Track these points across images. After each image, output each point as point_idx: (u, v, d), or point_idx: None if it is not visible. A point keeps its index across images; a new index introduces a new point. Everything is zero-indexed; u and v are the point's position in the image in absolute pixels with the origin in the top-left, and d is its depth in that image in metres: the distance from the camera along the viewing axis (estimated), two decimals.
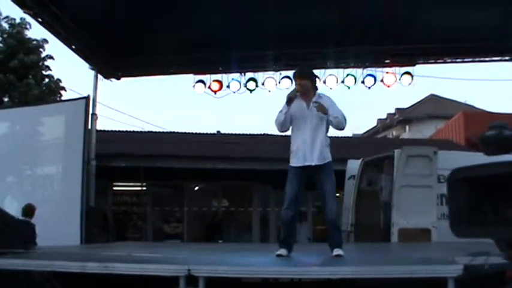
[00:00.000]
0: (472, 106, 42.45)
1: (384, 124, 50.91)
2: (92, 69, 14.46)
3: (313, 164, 6.82)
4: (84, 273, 5.73)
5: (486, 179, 3.28)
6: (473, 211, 3.35)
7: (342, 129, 7.05)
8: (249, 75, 14.51)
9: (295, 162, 6.96)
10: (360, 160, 14.72)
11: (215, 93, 14.62)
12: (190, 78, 14.74)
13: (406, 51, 13.87)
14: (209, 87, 14.57)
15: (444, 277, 4.95)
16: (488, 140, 3.42)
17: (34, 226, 10.68)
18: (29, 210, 10.90)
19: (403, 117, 47.16)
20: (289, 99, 6.94)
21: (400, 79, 14.01)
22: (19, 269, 6.21)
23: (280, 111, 7.01)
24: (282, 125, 7.06)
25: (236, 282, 5.58)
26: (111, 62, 14.65)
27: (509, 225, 3.20)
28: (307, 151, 6.85)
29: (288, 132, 7.15)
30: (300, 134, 6.95)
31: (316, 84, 7.35)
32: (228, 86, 14.54)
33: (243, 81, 14.48)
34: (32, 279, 6.40)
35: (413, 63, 14.10)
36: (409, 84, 14.00)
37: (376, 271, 5.24)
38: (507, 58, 13.93)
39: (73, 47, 13.47)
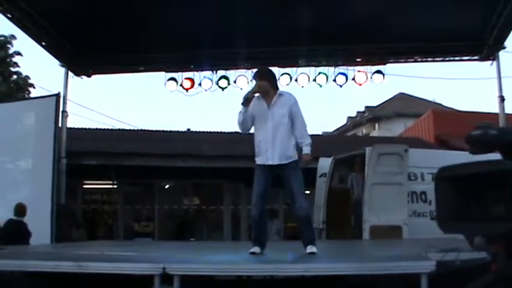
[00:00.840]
0: (441, 104, 42.84)
1: (354, 122, 51.13)
2: (62, 66, 14.30)
3: (275, 163, 6.87)
4: (57, 273, 5.67)
5: (472, 177, 3.38)
6: (460, 208, 3.44)
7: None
8: (221, 73, 14.48)
9: (259, 160, 7.01)
10: (331, 158, 14.79)
11: (187, 91, 14.56)
12: (162, 75, 14.68)
13: (378, 50, 13.99)
14: (181, 85, 14.52)
15: (417, 273, 5.01)
16: (474, 140, 3.51)
17: (26, 225, 10.75)
18: (20, 209, 10.93)
19: (372, 115, 47.42)
20: (245, 100, 6.98)
21: (371, 77, 14.10)
22: None
23: (239, 112, 7.06)
24: (242, 126, 7.13)
25: (210, 280, 5.58)
26: (81, 59, 14.48)
27: (495, 221, 3.30)
28: (269, 150, 6.90)
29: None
30: (261, 134, 7.00)
31: (277, 83, 7.37)
32: (200, 84, 14.50)
33: (215, 79, 14.46)
34: (2, 280, 6.32)
35: (384, 62, 14.21)
36: (381, 82, 14.11)
37: (351, 268, 5.29)
38: (476, 58, 14.09)
39: (43, 43, 13.34)
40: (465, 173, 3.44)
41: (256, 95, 7.07)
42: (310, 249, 6.75)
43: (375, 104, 49.04)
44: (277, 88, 7.25)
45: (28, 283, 6.18)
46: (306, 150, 6.97)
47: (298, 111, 7.06)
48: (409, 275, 5.08)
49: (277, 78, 7.70)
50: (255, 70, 7.56)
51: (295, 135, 6.98)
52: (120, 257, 6.98)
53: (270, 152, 6.89)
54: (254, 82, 7.39)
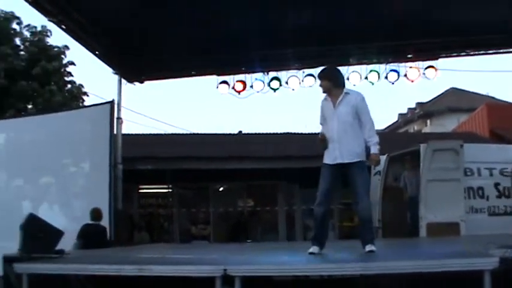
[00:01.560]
0: (494, 98, 42.06)
1: (405, 119, 50.67)
2: (116, 73, 14.57)
3: (343, 161, 6.86)
4: (120, 276, 5.79)
5: None
6: None
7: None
8: (272, 74, 14.53)
9: (326, 159, 7.01)
10: (385, 156, 14.67)
11: (239, 94, 14.67)
12: (214, 79, 14.82)
13: (429, 45, 13.80)
14: (233, 88, 14.62)
15: (480, 270, 4.95)
16: None
17: (105, 228, 11.41)
18: (96, 213, 11.41)
19: (423, 111, 46.89)
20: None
21: (423, 73, 13.94)
22: (55, 274, 6.30)
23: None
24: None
25: (268, 281, 5.61)
26: (134, 66, 14.74)
27: None
28: (336, 149, 6.91)
29: (314, 130, 7.26)
30: (329, 133, 7.02)
31: (341, 82, 7.36)
32: (251, 86, 14.58)
33: (267, 80, 14.50)
34: (68, 284, 6.49)
35: (435, 57, 14.04)
36: (434, 77, 13.94)
37: (412, 266, 5.24)
38: None
39: (96, 52, 13.61)
40: None
41: (324, 96, 7.12)
42: (369, 247, 6.73)
43: (426, 100, 48.45)
44: (343, 86, 7.26)
45: (92, 286, 6.34)
46: (374, 149, 6.96)
47: (365, 109, 7.05)
48: (470, 272, 5.02)
49: (343, 76, 7.68)
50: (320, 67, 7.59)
51: (363, 133, 6.98)
52: (181, 260, 7.08)
53: (338, 151, 6.92)
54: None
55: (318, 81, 7.41)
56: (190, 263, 6.21)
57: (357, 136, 6.96)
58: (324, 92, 7.13)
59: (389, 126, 51.93)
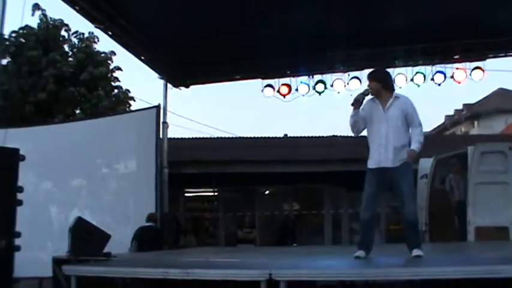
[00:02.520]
0: None
1: (452, 120, 50.05)
2: (161, 78, 14.73)
3: (388, 166, 6.78)
4: (166, 279, 5.84)
5: None
6: None
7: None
8: (318, 77, 14.48)
9: (371, 163, 6.94)
10: (432, 158, 14.49)
11: (284, 97, 14.67)
12: (259, 83, 14.86)
13: (476, 46, 13.56)
14: (278, 91, 14.63)
15: None
16: None
17: (160, 230, 12.02)
18: (152, 217, 11.90)
19: (471, 113, 46.24)
20: (355, 101, 6.95)
21: (470, 74, 13.73)
22: (103, 276, 6.39)
23: (350, 116, 7.04)
24: (352, 128, 7.11)
25: (313, 285, 5.59)
26: (179, 70, 14.87)
27: None
28: (383, 153, 6.81)
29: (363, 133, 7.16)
30: (376, 137, 6.92)
31: (391, 85, 7.27)
32: (296, 89, 14.56)
33: (312, 83, 14.47)
34: (114, 286, 6.58)
35: (483, 58, 13.79)
36: (481, 79, 13.72)
37: (460, 272, 5.12)
38: None
39: (142, 57, 13.76)
40: None
41: (370, 96, 7.05)
42: (416, 252, 6.63)
43: (473, 101, 47.73)
44: (393, 90, 7.19)
45: None
46: (414, 146, 6.82)
47: (415, 114, 6.96)
48: None
49: (392, 79, 7.60)
50: (365, 70, 7.51)
51: (412, 134, 6.89)
52: (226, 264, 7.09)
53: (384, 155, 6.83)
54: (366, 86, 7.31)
55: (364, 84, 7.34)
56: (236, 267, 6.20)
57: (403, 141, 6.87)
58: (372, 93, 7.04)
59: (436, 128, 51.32)
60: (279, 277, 5.21)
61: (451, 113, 51.52)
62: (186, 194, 21.42)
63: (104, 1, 11.38)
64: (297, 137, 23.74)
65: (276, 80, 14.70)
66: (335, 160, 18.32)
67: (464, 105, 48.38)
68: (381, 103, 6.95)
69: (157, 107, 13.52)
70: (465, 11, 11.78)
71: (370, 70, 7.68)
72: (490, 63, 14.04)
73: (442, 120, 52.73)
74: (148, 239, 11.36)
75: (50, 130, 14.85)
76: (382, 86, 7.03)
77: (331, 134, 21.40)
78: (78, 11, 11.24)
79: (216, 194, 20.63)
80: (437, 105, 75.76)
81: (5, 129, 8.78)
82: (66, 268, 6.78)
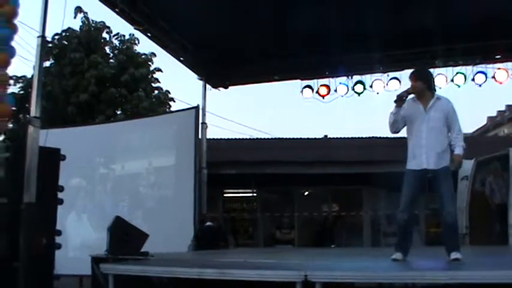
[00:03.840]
0: None
1: (494, 122, 49.29)
2: (200, 79, 14.81)
3: (429, 168, 6.70)
4: (202, 279, 5.86)
5: None
6: None
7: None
8: (356, 78, 14.41)
9: (411, 165, 6.87)
10: (473, 160, 14.29)
11: (323, 98, 14.63)
12: (298, 83, 14.84)
13: None
14: (317, 92, 14.59)
15: None
16: None
17: (218, 229, 12.96)
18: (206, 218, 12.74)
19: None
20: (398, 99, 6.89)
21: None
22: (140, 275, 6.46)
23: (391, 112, 6.97)
24: (391, 126, 7.05)
25: (350, 287, 5.56)
26: (218, 71, 14.94)
27: None
28: (423, 155, 6.74)
29: (400, 134, 7.08)
30: (416, 137, 6.85)
31: (434, 85, 7.20)
32: (335, 90, 14.51)
33: (351, 84, 14.40)
34: (151, 285, 6.65)
35: None
36: None
37: (497, 276, 5.03)
38: None
39: (181, 58, 13.85)
40: None
41: (411, 96, 6.98)
42: (455, 255, 6.53)
43: None
44: (434, 90, 7.12)
45: None
46: (458, 151, 6.76)
47: (456, 116, 6.89)
48: None
49: (434, 80, 7.53)
50: (411, 70, 7.41)
51: (450, 138, 6.83)
52: (262, 264, 7.09)
53: (425, 156, 6.76)
54: (409, 83, 7.23)
55: (403, 85, 7.23)
56: (271, 268, 6.20)
57: (444, 143, 6.79)
58: (416, 93, 6.96)
59: (478, 129, 50.61)
60: (314, 278, 5.20)
61: (494, 114, 50.73)
62: (225, 195, 21.50)
63: (143, 3, 11.49)
64: (336, 138, 23.65)
65: (315, 80, 14.66)
66: (374, 161, 18.18)
67: (507, 106, 47.57)
68: (422, 103, 6.88)
69: (196, 107, 13.57)
70: (506, 8, 11.56)
71: (413, 69, 7.62)
72: None
73: (484, 122, 51.96)
74: (207, 238, 11.69)
75: (91, 131, 15.02)
76: (427, 86, 6.96)
77: (370, 135, 21.25)
78: (117, 13, 11.35)
79: (254, 194, 20.66)
80: (479, 106, 74.76)
81: (46, 130, 8.86)
82: (104, 267, 6.89)
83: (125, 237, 8.30)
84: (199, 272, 5.96)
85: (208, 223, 12.14)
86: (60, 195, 8.77)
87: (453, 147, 6.78)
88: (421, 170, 6.76)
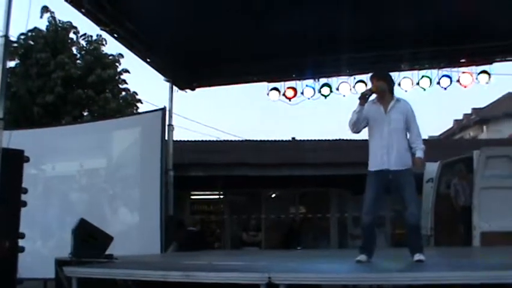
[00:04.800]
0: None
1: (460, 125, 49.86)
2: (167, 81, 14.73)
3: (391, 168, 6.76)
4: (166, 282, 5.85)
5: None
6: None
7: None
8: (323, 80, 14.45)
9: (372, 166, 6.93)
10: (438, 163, 14.46)
11: (290, 100, 14.64)
12: (265, 86, 14.85)
13: (483, 50, 13.47)
14: (283, 95, 14.61)
15: None
16: None
17: (199, 233, 13.58)
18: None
19: (479, 117, 46.03)
20: (362, 97, 6.95)
21: (477, 78, 13.66)
22: (103, 278, 6.42)
23: (353, 111, 7.02)
24: (353, 125, 7.08)
25: None
26: (185, 73, 14.89)
27: None
28: (384, 156, 6.80)
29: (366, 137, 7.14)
30: (377, 138, 6.92)
31: (393, 88, 7.29)
32: (302, 93, 14.54)
33: (317, 87, 14.44)
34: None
35: (490, 62, 13.72)
36: (487, 83, 13.64)
37: (461, 277, 5.09)
38: None
39: (148, 60, 13.79)
40: None
41: (371, 98, 7.03)
42: (418, 256, 6.61)
43: (483, 106, 47.51)
44: (394, 93, 7.19)
45: None
46: (419, 154, 6.85)
47: (415, 120, 7.00)
48: None
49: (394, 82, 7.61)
50: (372, 72, 7.49)
51: (410, 140, 6.91)
52: (227, 267, 7.10)
53: (386, 157, 6.83)
54: (370, 84, 7.28)
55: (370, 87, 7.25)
56: (236, 270, 6.20)
57: (405, 144, 6.88)
58: (378, 93, 7.02)
59: (445, 132, 51.15)
60: (278, 280, 5.23)
61: (460, 117, 51.30)
62: (192, 197, 21.45)
63: (110, 4, 11.39)
64: (303, 140, 23.74)
65: (282, 83, 14.68)
66: (341, 164, 18.27)
67: (473, 109, 48.15)
68: (383, 105, 6.96)
69: (163, 109, 13.50)
70: (472, 14, 11.71)
71: (374, 70, 7.69)
72: (499, 67, 13.98)
73: (451, 125, 52.51)
74: (189, 241, 11.78)
75: (57, 132, 14.86)
76: (388, 88, 7.04)
77: (338, 138, 21.37)
78: (83, 14, 11.25)
79: (222, 196, 20.64)
80: (447, 109, 75.67)
81: (9, 131, 8.75)
82: (67, 269, 6.83)
83: (89, 240, 8.23)
84: (164, 275, 5.96)
85: (190, 228, 12.17)
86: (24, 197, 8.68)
87: (414, 150, 6.86)
88: (382, 171, 6.82)
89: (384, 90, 7.00)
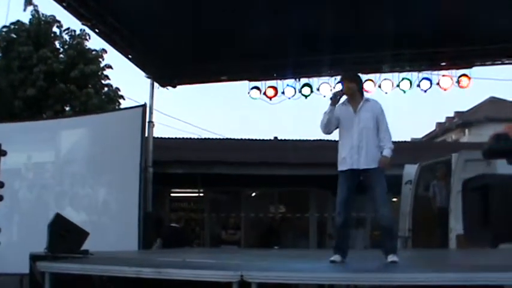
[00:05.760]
0: None
1: (443, 128, 49.98)
2: (148, 77, 14.73)
3: (360, 167, 6.81)
4: (140, 278, 5.86)
5: None
6: None
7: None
8: (304, 80, 14.50)
9: (342, 166, 6.98)
10: (417, 165, 14.54)
11: (270, 100, 14.69)
12: (246, 84, 14.88)
13: (463, 53, 13.59)
14: (264, 94, 14.65)
15: (501, 285, 4.85)
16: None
17: (183, 230, 13.77)
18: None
19: (462, 120, 46.24)
20: (334, 97, 7.04)
21: (457, 82, 13.75)
22: (78, 273, 6.42)
23: (325, 112, 7.07)
24: (325, 126, 7.13)
25: None
26: (166, 70, 14.87)
27: None
28: (354, 155, 6.85)
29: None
30: (347, 138, 6.97)
31: (363, 89, 7.37)
32: (283, 92, 14.58)
33: (298, 87, 14.49)
34: (91, 283, 6.61)
35: (470, 65, 13.83)
36: (467, 86, 13.74)
37: (432, 278, 5.13)
38: None
39: (129, 56, 13.78)
40: None
41: (342, 100, 7.08)
42: (392, 258, 6.64)
43: (466, 109, 47.76)
44: (363, 94, 7.23)
45: (114, 287, 6.44)
46: (386, 152, 6.88)
47: (384, 118, 7.02)
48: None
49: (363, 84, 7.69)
50: (341, 74, 7.59)
51: (380, 139, 6.93)
52: (201, 264, 7.12)
53: (356, 156, 6.86)
54: (340, 86, 7.36)
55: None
56: (209, 268, 6.23)
57: (375, 143, 6.91)
58: (349, 94, 7.08)
59: (427, 135, 51.32)
60: (250, 279, 5.25)
61: (443, 120, 51.47)
62: (172, 194, 21.43)
63: None
64: (283, 140, 23.78)
65: (263, 82, 14.72)
66: (321, 164, 18.30)
67: (456, 112, 48.34)
68: (353, 106, 7.02)
69: (143, 106, 13.51)
70: (454, 18, 11.82)
71: (344, 72, 7.79)
72: (482, 71, 14.10)
73: (433, 128, 52.66)
74: (172, 238, 11.79)
75: (38, 126, 14.81)
76: (358, 89, 7.11)
77: (318, 138, 21.41)
78: (65, 8, 11.26)
79: (201, 194, 20.62)
80: (429, 112, 75.96)
81: None
82: (40, 264, 6.82)
83: (64, 235, 8.21)
84: (137, 271, 5.97)
85: (173, 224, 12.25)
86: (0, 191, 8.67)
87: (381, 149, 6.90)
88: (352, 171, 6.87)
89: (354, 92, 7.07)
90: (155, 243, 12.19)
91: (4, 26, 22.05)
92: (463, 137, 44.76)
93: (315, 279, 5.53)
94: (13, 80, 21.42)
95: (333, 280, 5.51)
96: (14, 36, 22.43)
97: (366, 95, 7.37)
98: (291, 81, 14.56)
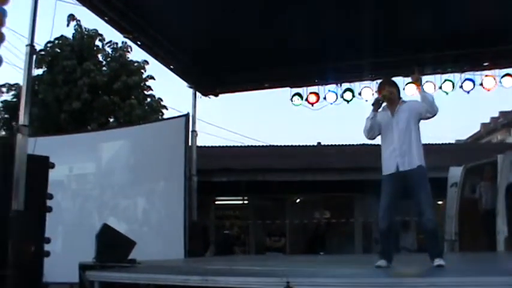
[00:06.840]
0: None
1: (488, 128, 49.22)
2: (190, 87, 14.85)
3: (403, 169, 6.77)
4: (187, 286, 5.92)
5: None
6: None
7: (435, 112, 6.91)
8: (346, 85, 14.47)
9: (386, 170, 6.96)
10: (462, 167, 14.38)
11: (312, 106, 14.67)
12: (288, 91, 14.91)
13: (506, 53, 13.36)
14: (306, 100, 14.65)
15: None
16: None
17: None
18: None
19: (507, 120, 45.47)
20: (376, 102, 7.06)
21: (500, 81, 13.54)
22: (126, 282, 6.51)
23: (367, 118, 7.09)
24: (368, 131, 7.15)
25: None
26: (208, 79, 14.98)
27: None
28: (397, 157, 6.82)
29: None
30: (388, 142, 6.96)
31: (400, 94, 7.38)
32: (324, 98, 14.56)
33: (340, 92, 14.46)
34: None
35: None
36: (511, 86, 13.52)
37: (478, 282, 5.06)
38: None
39: (171, 67, 13.91)
40: None
41: (383, 105, 7.09)
42: (438, 261, 6.56)
43: (511, 109, 46.93)
44: (401, 98, 7.23)
45: None
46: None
47: (419, 102, 7.00)
48: None
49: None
50: (380, 80, 7.58)
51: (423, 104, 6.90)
52: (247, 271, 7.14)
53: (399, 159, 6.83)
54: (380, 91, 7.34)
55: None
56: (255, 275, 6.25)
57: (417, 142, 6.88)
58: (390, 98, 7.07)
59: (472, 136, 50.56)
60: (296, 285, 5.25)
61: (487, 120, 50.66)
62: (217, 202, 21.56)
63: (133, 11, 11.54)
64: (328, 145, 23.72)
65: (304, 88, 14.73)
66: (365, 168, 18.24)
67: (501, 112, 47.53)
68: (391, 110, 7.01)
69: (186, 115, 13.63)
70: (494, 17, 11.65)
71: (383, 78, 7.78)
72: None
73: (478, 129, 51.90)
74: (226, 244, 12.07)
75: (83, 138, 15.07)
76: (397, 94, 7.11)
77: (362, 143, 21.31)
78: (107, 22, 11.44)
79: (246, 202, 20.71)
80: (474, 113, 74.84)
81: (34, 138, 8.92)
82: (89, 274, 6.94)
83: (112, 245, 8.34)
84: (184, 279, 6.02)
85: (226, 231, 12.41)
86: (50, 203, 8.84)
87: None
88: (395, 174, 6.84)
89: (395, 97, 7.08)
90: (209, 249, 12.30)
91: (49, 41, 22.55)
92: (508, 138, 44.02)
93: (360, 285, 5.50)
94: (58, 93, 21.88)
95: (379, 285, 5.48)
96: (58, 50, 22.93)
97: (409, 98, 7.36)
98: (332, 87, 14.53)
